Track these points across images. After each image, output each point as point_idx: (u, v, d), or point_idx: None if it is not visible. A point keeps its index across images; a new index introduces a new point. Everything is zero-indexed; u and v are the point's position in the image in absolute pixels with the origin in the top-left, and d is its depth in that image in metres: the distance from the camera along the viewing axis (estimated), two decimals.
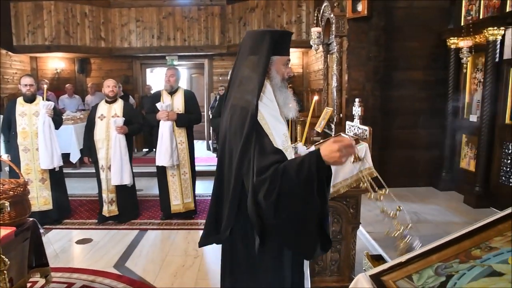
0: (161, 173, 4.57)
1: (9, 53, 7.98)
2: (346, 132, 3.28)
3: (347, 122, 3.38)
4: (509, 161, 4.34)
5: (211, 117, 8.04)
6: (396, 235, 2.42)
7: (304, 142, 2.07)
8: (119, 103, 4.50)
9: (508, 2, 4.23)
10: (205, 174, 6.08)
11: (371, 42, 5.18)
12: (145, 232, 4.32)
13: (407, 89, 5.39)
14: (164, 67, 8.91)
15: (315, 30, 5.79)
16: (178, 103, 4.50)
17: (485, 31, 4.35)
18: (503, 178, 4.42)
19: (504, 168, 4.40)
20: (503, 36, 4.32)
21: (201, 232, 1.81)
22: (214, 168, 1.79)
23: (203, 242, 1.78)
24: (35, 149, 4.31)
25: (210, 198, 1.80)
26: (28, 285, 2.73)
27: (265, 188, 1.42)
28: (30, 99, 4.34)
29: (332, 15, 5.38)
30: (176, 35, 8.75)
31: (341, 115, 5.49)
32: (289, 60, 1.71)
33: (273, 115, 1.62)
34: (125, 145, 4.39)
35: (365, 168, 2.63)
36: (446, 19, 5.32)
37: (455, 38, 5.00)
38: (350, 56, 5.27)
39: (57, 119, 4.46)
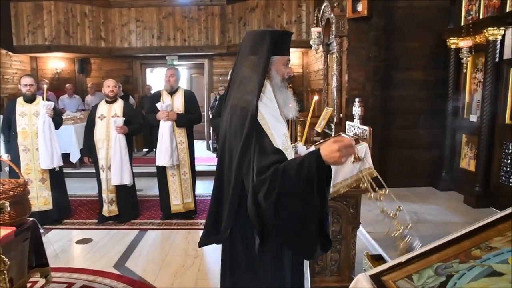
0: (161, 173, 4.57)
1: (9, 53, 7.98)
2: (346, 132, 3.28)
3: (347, 122, 3.38)
4: (509, 161, 4.34)
5: (211, 117, 8.04)
6: (396, 235, 2.42)
7: (304, 142, 2.08)
8: (119, 103, 4.50)
9: (508, 2, 4.23)
10: (205, 174, 6.08)
11: (371, 42, 5.18)
12: (145, 232, 4.32)
13: (407, 89, 5.39)
14: (164, 67, 8.91)
15: (315, 30, 5.79)
16: (178, 103, 4.50)
17: (485, 31, 4.35)
18: (503, 178, 4.42)
19: (504, 168, 4.40)
20: (503, 36, 4.32)
21: (201, 232, 1.81)
22: (214, 168, 1.79)
23: (203, 242, 1.78)
24: (35, 149, 4.31)
25: (210, 198, 1.80)
26: (28, 285, 2.73)
27: (265, 188, 1.41)
28: (30, 99, 4.34)
29: (332, 15, 5.38)
30: (176, 35, 8.75)
31: (341, 115, 5.49)
32: (289, 60, 1.71)
33: (273, 115, 1.62)
34: (125, 145, 4.39)
35: (365, 168, 2.64)
36: (446, 19, 5.32)
37: (455, 38, 5.00)
38: (350, 56, 5.27)
39: (57, 119, 4.46)
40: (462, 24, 5.02)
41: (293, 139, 4.84)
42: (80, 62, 9.47)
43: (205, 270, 3.42)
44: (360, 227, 3.08)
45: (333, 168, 1.52)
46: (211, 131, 9.00)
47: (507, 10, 4.23)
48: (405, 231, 2.38)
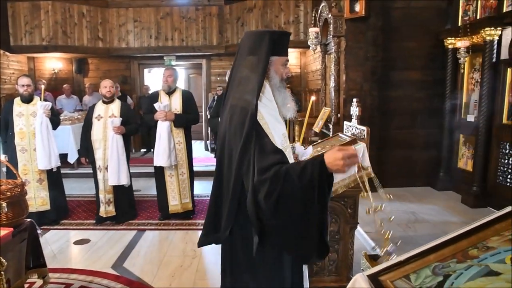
0: (159, 174, 4.56)
1: (7, 53, 7.96)
2: (344, 132, 3.29)
3: (345, 122, 3.38)
4: (506, 161, 4.35)
5: (209, 117, 8.04)
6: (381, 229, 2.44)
7: (301, 142, 2.08)
8: (116, 104, 4.49)
9: (505, 2, 4.25)
10: (203, 174, 6.08)
11: (369, 42, 5.19)
12: (143, 232, 4.32)
13: (405, 89, 5.40)
14: (162, 67, 8.90)
15: (313, 30, 5.79)
16: (176, 103, 4.50)
17: (482, 31, 4.36)
18: (501, 178, 4.44)
19: (502, 168, 4.42)
20: (500, 36, 4.34)
21: (199, 232, 1.81)
22: (212, 168, 1.79)
23: (203, 242, 1.78)
24: (32, 149, 4.29)
25: (208, 198, 1.80)
26: (26, 286, 2.72)
27: (265, 189, 1.42)
28: (27, 100, 4.32)
29: (330, 15, 5.38)
30: (174, 35, 8.74)
31: (339, 115, 5.50)
32: (287, 60, 1.72)
33: (272, 115, 1.63)
34: (122, 145, 4.38)
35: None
36: (444, 20, 5.34)
37: (453, 38, 5.02)
38: (348, 56, 5.27)
39: (55, 119, 4.45)
40: (459, 24, 5.04)
41: (291, 139, 4.84)
42: (78, 62, 9.45)
43: (203, 270, 3.42)
44: (358, 227, 3.09)
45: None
46: (209, 131, 8.99)
47: (504, 10, 4.25)
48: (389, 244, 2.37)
